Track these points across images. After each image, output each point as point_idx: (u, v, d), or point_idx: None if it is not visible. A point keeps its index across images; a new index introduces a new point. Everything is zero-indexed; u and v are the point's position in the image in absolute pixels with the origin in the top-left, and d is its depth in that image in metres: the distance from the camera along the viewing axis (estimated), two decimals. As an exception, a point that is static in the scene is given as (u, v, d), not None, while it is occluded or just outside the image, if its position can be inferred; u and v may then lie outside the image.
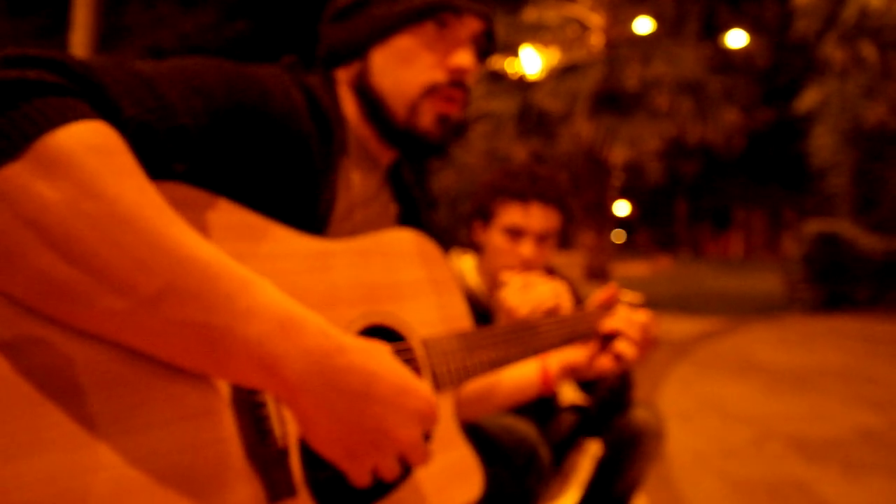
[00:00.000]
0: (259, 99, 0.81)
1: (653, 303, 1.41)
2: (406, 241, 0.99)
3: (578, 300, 1.64)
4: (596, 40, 12.96)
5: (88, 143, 0.57)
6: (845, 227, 10.86)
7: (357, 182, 0.99)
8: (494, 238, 1.62)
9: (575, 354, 1.30)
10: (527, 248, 1.58)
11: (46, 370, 0.57)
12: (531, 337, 1.13)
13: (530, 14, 13.06)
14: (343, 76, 0.99)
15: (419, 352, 0.92)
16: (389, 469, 0.72)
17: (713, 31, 14.51)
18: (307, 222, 0.85)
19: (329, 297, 0.83)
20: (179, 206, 0.66)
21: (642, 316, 1.30)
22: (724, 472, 3.13)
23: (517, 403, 1.32)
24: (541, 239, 1.60)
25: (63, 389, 0.57)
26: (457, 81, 0.95)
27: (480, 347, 1.02)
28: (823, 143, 14.34)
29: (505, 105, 12.96)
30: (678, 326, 8.07)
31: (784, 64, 16.99)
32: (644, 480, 1.68)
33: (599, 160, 12.72)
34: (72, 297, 0.56)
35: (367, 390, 0.68)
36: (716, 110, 12.33)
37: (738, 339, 7.55)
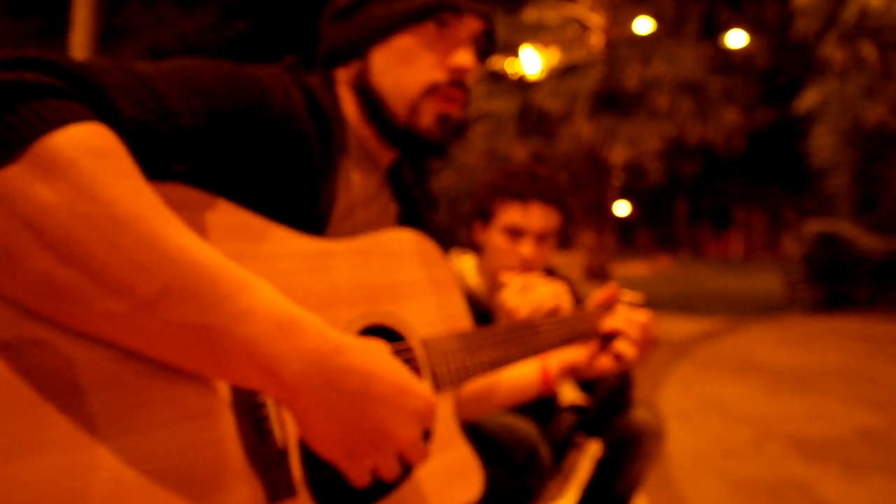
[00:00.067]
0: (259, 99, 0.80)
1: (653, 303, 1.41)
2: (406, 241, 0.98)
3: (578, 300, 1.63)
4: (596, 40, 12.97)
5: (86, 145, 0.57)
6: (845, 227, 10.86)
7: (357, 182, 0.99)
8: (494, 238, 1.62)
9: (575, 354, 1.29)
10: (527, 248, 1.58)
11: (46, 371, 0.57)
12: (531, 337, 1.13)
13: (530, 14, 13.07)
14: (343, 76, 0.99)
15: (419, 352, 0.92)
16: (389, 469, 0.72)
17: (713, 31, 14.52)
18: (307, 222, 0.85)
19: (329, 297, 0.83)
20: (178, 206, 0.66)
21: (642, 315, 1.30)
22: (724, 472, 3.13)
23: (517, 403, 1.32)
24: (541, 239, 1.60)
25: (63, 390, 0.57)
26: (457, 81, 0.95)
27: (480, 347, 1.02)
28: (823, 143, 14.35)
29: (505, 105, 12.97)
30: (678, 326, 8.07)
31: (784, 64, 17.00)
32: (644, 480, 1.68)
33: (599, 160, 12.73)
34: (70, 300, 0.56)
35: (366, 391, 0.68)
36: (716, 110, 12.34)
37: (738, 339, 7.55)
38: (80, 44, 6.92)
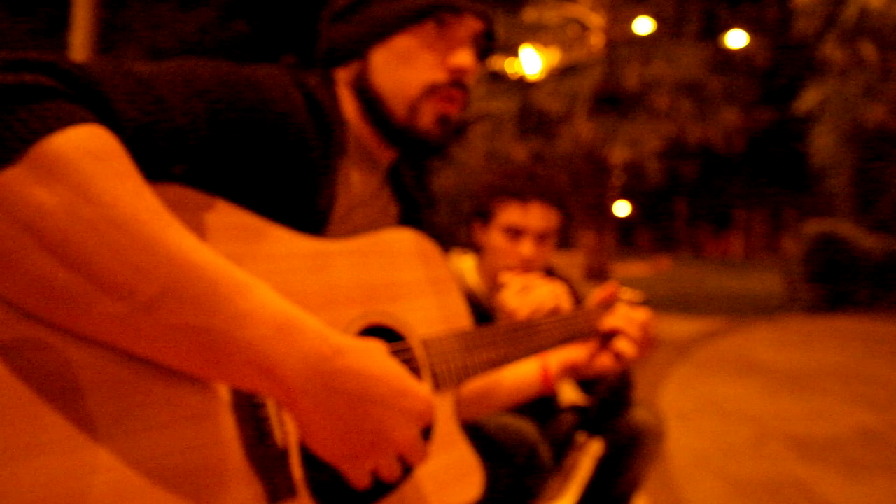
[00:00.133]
0: (258, 100, 0.80)
1: (653, 303, 1.41)
2: (406, 241, 0.98)
3: (578, 300, 1.63)
4: (596, 40, 12.98)
5: (85, 147, 0.57)
6: (845, 227, 10.85)
7: (357, 182, 0.99)
8: (494, 238, 1.62)
9: (575, 353, 1.29)
10: (526, 248, 1.58)
11: (45, 373, 0.57)
12: (531, 336, 1.13)
13: (530, 14, 13.08)
14: (343, 76, 0.99)
15: (419, 351, 0.92)
16: (389, 470, 0.73)
17: (713, 31, 14.52)
18: (306, 223, 0.85)
19: (328, 297, 0.83)
20: (177, 207, 0.66)
21: (642, 314, 1.30)
22: (724, 472, 3.13)
23: (517, 403, 1.32)
24: (540, 238, 1.60)
25: (62, 392, 0.57)
26: (457, 81, 0.95)
27: (480, 347, 1.02)
28: (823, 143, 14.32)
29: (505, 105, 12.98)
30: (678, 326, 8.07)
31: (784, 64, 16.99)
32: (644, 480, 1.68)
33: (599, 160, 12.74)
34: (70, 302, 0.56)
35: (365, 392, 0.68)
36: (716, 110, 12.36)
37: (738, 339, 7.55)
38: (80, 44, 6.91)
